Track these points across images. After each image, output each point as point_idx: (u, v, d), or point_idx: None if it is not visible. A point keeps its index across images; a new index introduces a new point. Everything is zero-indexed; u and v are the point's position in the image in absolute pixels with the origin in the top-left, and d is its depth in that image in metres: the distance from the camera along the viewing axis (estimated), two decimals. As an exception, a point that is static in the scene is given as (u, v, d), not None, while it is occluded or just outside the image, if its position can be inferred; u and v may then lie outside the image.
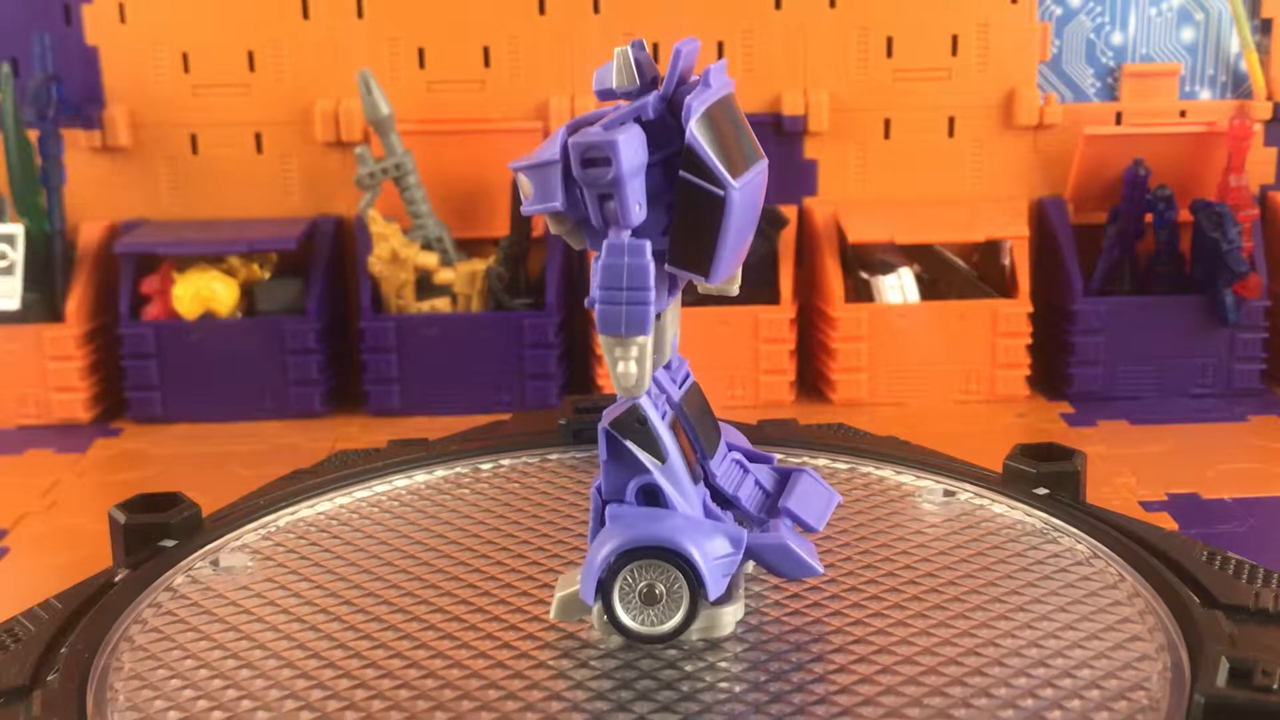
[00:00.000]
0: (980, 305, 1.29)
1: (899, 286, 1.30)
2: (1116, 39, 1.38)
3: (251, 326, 1.29)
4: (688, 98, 0.48)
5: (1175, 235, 1.30)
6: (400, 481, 0.71)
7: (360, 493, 0.70)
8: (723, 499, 0.53)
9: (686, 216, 0.48)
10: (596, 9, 1.34)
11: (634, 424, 0.50)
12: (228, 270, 1.30)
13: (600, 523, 0.51)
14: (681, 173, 0.47)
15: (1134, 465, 1.11)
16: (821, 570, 0.52)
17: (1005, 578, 0.57)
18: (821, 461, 0.72)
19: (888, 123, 1.36)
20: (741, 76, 1.34)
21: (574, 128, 0.48)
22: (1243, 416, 1.25)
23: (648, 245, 0.47)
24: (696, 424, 0.52)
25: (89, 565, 0.63)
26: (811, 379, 1.35)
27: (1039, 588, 0.56)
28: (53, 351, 1.28)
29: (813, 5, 1.34)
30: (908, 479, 0.69)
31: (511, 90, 1.35)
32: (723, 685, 0.49)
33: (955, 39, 1.35)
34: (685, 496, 0.51)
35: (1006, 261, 1.32)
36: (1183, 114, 1.37)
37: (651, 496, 0.51)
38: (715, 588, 0.50)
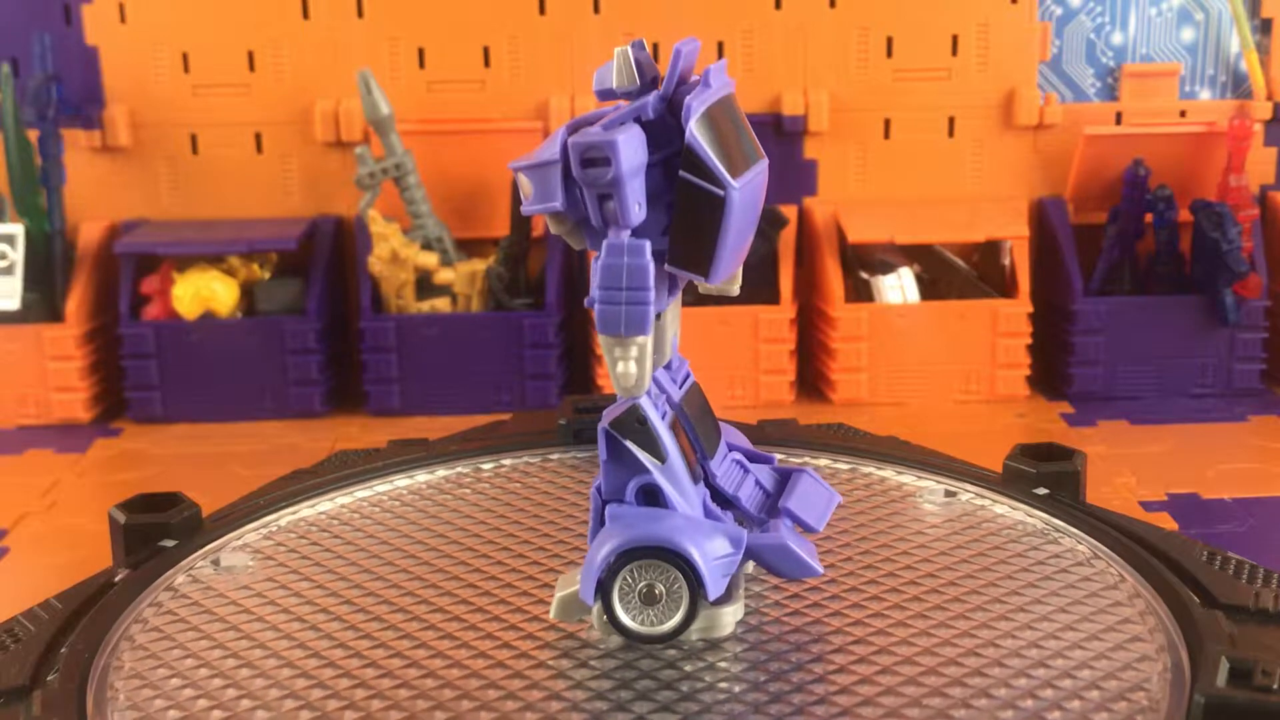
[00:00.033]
0: (980, 305, 1.29)
1: (899, 286, 1.30)
2: (1116, 39, 1.38)
3: (251, 326, 1.29)
4: (688, 98, 0.48)
5: (1175, 235, 1.30)
6: (401, 481, 0.71)
7: (361, 492, 0.70)
8: (723, 499, 0.53)
9: (686, 216, 0.48)
10: (596, 9, 1.34)
11: (634, 424, 0.50)
12: (228, 270, 1.30)
13: (600, 523, 0.51)
14: (681, 173, 0.47)
15: (1134, 465, 1.11)
16: (821, 571, 0.52)
17: (1005, 578, 0.57)
18: (823, 462, 0.72)
19: (888, 123, 1.36)
20: (741, 76, 1.34)
21: (574, 128, 0.48)
22: (1243, 416, 1.25)
23: (647, 245, 0.47)
24: (697, 424, 0.52)
25: (89, 565, 0.63)
26: (811, 379, 1.35)
27: (1039, 588, 0.56)
28: (53, 351, 1.28)
29: (813, 5, 1.34)
30: (908, 479, 0.69)
31: (511, 90, 1.35)
32: (722, 685, 0.49)
33: (955, 39, 1.35)
34: (685, 496, 0.51)
35: (1006, 261, 1.32)
36: (1183, 114, 1.37)
37: (651, 496, 0.51)
38: (715, 588, 0.50)
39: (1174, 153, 1.31)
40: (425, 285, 1.29)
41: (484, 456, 0.74)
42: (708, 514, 0.52)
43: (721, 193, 0.47)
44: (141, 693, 0.50)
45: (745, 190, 0.48)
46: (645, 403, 0.50)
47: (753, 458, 0.56)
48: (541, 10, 1.34)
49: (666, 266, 0.48)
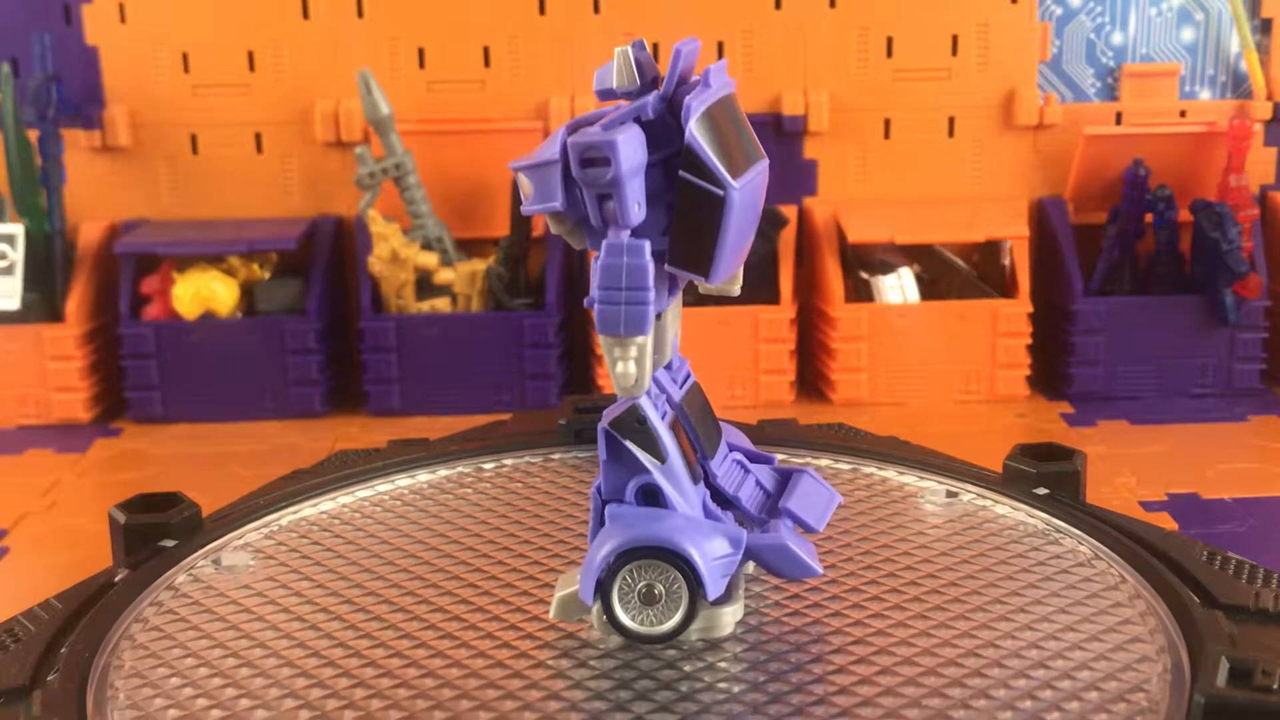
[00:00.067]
0: (980, 305, 1.29)
1: (899, 286, 1.30)
2: (1116, 39, 1.38)
3: (251, 326, 1.29)
4: (688, 98, 0.48)
5: (1175, 235, 1.30)
6: (402, 481, 0.71)
7: (362, 492, 0.70)
8: (723, 499, 0.53)
9: (686, 216, 0.48)
10: (596, 9, 1.34)
11: (634, 424, 0.50)
12: (228, 270, 1.30)
13: (600, 523, 0.51)
14: (681, 173, 0.47)
15: (1134, 465, 1.11)
16: (821, 571, 0.52)
17: (1005, 579, 0.57)
18: (823, 462, 0.72)
19: (888, 123, 1.36)
20: (741, 76, 1.34)
21: (574, 128, 0.48)
22: (1243, 416, 1.25)
23: (647, 245, 0.47)
24: (697, 424, 0.52)
25: (89, 565, 0.63)
26: (811, 379, 1.35)
27: (1039, 589, 0.56)
28: (53, 351, 1.28)
29: (813, 5, 1.34)
30: (909, 480, 0.69)
31: (511, 90, 1.35)
32: (722, 685, 0.49)
33: (955, 39, 1.35)
34: (685, 496, 0.51)
35: (1006, 261, 1.32)
36: (1183, 114, 1.37)
37: (651, 496, 0.51)
38: (714, 588, 0.50)
39: (1174, 153, 1.31)
40: (425, 285, 1.29)
41: (484, 456, 0.74)
42: (708, 514, 0.51)
43: (721, 193, 0.47)
44: (142, 692, 0.50)
45: (745, 190, 0.48)
46: (645, 403, 0.50)
47: (753, 458, 0.56)
48: (541, 10, 1.34)
49: (666, 266, 0.48)
